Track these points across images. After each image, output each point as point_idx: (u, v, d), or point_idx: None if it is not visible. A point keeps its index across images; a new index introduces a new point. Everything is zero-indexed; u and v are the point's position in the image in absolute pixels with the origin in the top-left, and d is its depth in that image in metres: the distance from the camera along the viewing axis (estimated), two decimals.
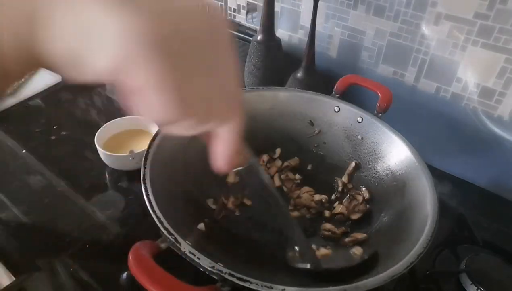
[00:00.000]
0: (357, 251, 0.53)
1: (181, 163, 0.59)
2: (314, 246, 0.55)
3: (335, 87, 0.69)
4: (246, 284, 0.38)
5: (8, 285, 0.53)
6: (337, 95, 0.69)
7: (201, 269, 0.40)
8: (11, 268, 0.55)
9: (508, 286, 0.53)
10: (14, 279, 0.54)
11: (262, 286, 0.38)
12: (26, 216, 0.62)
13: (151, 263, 0.38)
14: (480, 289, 0.52)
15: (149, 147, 0.54)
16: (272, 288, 0.38)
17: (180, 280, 0.37)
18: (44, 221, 0.62)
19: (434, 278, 0.56)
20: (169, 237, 0.41)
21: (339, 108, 0.67)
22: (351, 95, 0.70)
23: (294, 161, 0.70)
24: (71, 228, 0.61)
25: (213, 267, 0.39)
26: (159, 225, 0.43)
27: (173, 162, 0.57)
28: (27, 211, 0.63)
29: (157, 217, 0.43)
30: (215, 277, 0.39)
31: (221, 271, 0.39)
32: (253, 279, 0.38)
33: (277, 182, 0.66)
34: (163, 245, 0.42)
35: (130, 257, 0.38)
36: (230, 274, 0.39)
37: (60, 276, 0.54)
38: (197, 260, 0.40)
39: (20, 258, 0.57)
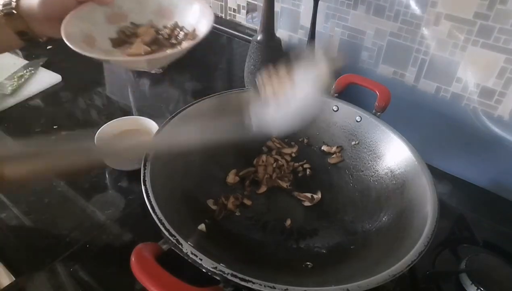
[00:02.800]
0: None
1: (181, 163, 0.59)
2: None
3: (333, 87, 0.69)
4: (249, 285, 0.38)
5: (8, 285, 0.53)
6: (335, 95, 0.69)
7: (203, 270, 0.40)
8: (11, 268, 0.55)
9: (508, 286, 0.53)
10: (14, 279, 0.54)
11: (264, 286, 0.38)
12: (26, 216, 0.62)
13: (154, 265, 0.38)
14: (480, 289, 0.52)
15: None
16: (275, 288, 0.38)
17: (181, 280, 0.37)
18: (44, 221, 0.62)
19: (434, 278, 0.56)
20: (171, 238, 0.41)
21: (338, 108, 0.67)
22: (349, 95, 0.70)
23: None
24: (71, 228, 0.60)
25: (215, 268, 0.39)
26: (161, 227, 0.43)
27: (173, 162, 0.57)
28: (27, 211, 0.62)
29: (159, 219, 0.43)
30: (218, 278, 0.39)
31: (223, 272, 0.39)
32: (255, 279, 0.38)
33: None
34: (164, 247, 0.42)
35: (133, 259, 0.38)
36: (232, 275, 0.38)
37: (60, 276, 0.54)
38: (199, 261, 0.40)
39: (20, 258, 0.56)
